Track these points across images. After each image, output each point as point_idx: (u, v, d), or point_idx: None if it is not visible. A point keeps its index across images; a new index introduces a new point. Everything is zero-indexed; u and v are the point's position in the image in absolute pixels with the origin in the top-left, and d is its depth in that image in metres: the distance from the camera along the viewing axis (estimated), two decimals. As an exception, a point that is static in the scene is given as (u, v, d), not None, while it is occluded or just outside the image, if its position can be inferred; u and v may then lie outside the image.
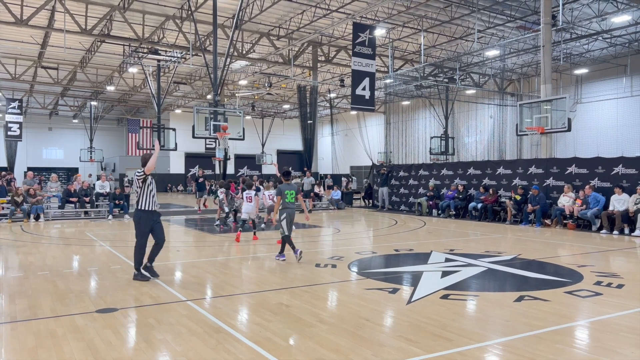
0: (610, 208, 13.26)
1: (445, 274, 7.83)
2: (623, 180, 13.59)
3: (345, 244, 11.74)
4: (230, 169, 38.85)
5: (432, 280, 7.38)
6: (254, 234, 12.02)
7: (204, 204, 20.59)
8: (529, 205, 15.12)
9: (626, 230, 12.81)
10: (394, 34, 24.58)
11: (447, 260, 9.12)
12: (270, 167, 46.24)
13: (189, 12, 21.42)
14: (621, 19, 19.84)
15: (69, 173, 45.84)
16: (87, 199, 18.10)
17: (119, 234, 13.66)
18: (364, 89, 20.01)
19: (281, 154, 50.44)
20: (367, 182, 27.75)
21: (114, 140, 51.28)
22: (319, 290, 6.90)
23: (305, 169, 26.23)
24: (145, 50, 25.37)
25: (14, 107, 34.43)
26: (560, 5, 16.08)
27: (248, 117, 42.75)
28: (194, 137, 17.52)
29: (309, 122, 28.58)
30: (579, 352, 4.44)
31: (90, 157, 41.25)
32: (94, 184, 20.05)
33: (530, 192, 15.29)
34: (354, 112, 39.99)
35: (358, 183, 36.76)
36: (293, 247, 8.93)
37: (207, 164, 38.27)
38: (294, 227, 9.25)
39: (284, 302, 6.09)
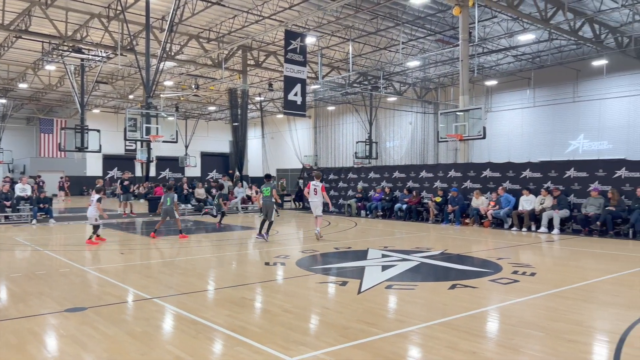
0: (520, 208, 14.85)
1: (384, 267, 8.63)
2: (530, 182, 15.27)
3: (287, 244, 12.30)
4: (152, 172, 37.92)
5: (375, 273, 8.15)
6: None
7: (131, 211, 20.19)
8: (449, 206, 16.50)
9: (533, 228, 14.42)
10: (322, 42, 25.48)
11: (383, 256, 9.97)
12: (194, 170, 45.67)
13: (117, 11, 21.00)
14: (526, 37, 22.10)
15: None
16: (7, 203, 17.24)
17: (51, 238, 13.29)
18: (295, 94, 20.64)
19: (205, 156, 49.91)
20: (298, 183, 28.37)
21: (23, 141, 48.02)
22: (275, 285, 7.43)
23: (231, 171, 26.39)
24: (67, 48, 24.41)
25: None
26: (476, 23, 17.69)
27: (171, 119, 41.91)
28: (125, 139, 17.27)
29: (234, 124, 28.72)
30: (508, 326, 5.34)
31: (-1, 158, 38.56)
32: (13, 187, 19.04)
33: (450, 194, 16.68)
34: (280, 116, 40.65)
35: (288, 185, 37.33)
36: None
37: (127, 166, 37.01)
38: None
39: (246, 297, 6.56)
